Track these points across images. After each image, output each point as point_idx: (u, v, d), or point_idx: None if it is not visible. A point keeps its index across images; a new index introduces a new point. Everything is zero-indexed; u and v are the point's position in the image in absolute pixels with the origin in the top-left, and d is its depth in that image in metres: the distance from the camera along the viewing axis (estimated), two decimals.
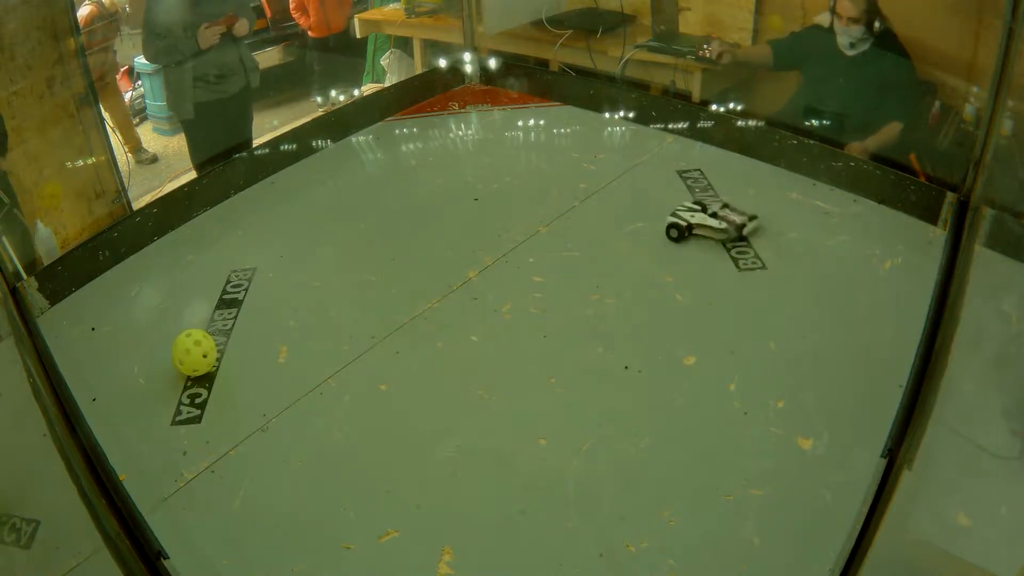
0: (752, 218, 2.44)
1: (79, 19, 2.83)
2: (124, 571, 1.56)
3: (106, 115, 3.67)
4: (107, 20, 3.48)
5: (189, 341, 2.06)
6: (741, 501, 1.67)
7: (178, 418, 1.99)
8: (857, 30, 2.78)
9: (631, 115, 3.34)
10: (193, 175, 3.12)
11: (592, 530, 1.64)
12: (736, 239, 2.41)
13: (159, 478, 1.81)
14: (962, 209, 2.35)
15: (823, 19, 2.92)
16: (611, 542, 1.60)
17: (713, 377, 1.99)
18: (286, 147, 3.22)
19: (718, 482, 1.71)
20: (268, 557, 1.63)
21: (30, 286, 2.37)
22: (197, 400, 2.03)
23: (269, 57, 4.75)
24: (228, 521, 1.71)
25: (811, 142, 2.82)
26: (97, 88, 3.48)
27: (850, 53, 2.85)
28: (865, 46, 2.81)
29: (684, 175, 2.89)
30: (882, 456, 1.66)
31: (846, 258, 2.40)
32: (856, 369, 1.98)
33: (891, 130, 2.81)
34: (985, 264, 2.17)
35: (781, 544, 1.58)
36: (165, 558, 1.54)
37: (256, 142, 3.33)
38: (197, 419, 1.98)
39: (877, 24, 2.75)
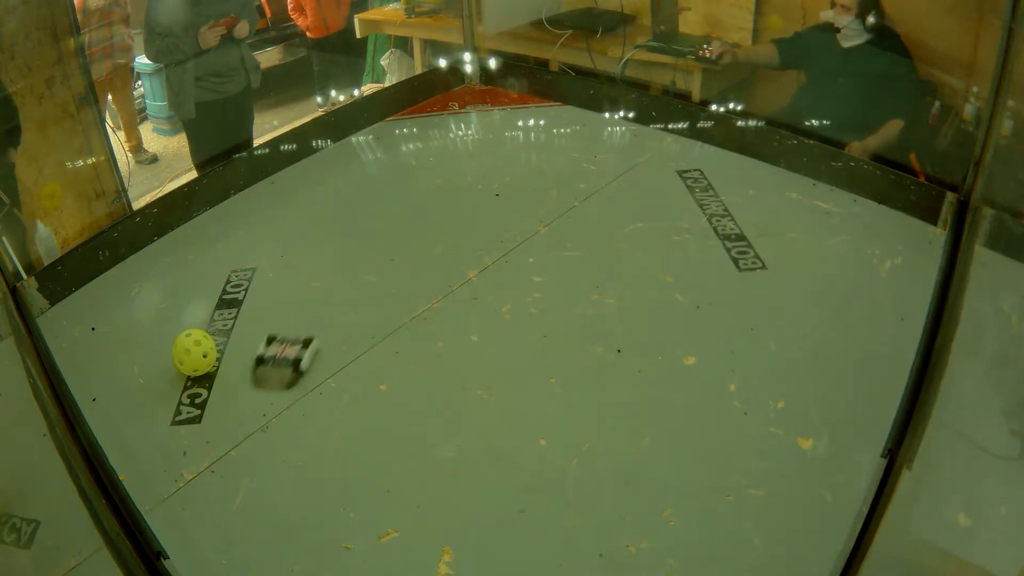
0: (307, 343, 2.13)
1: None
2: (124, 571, 1.56)
3: (115, 108, 3.68)
4: (102, 10, 3.48)
5: (189, 341, 2.06)
6: (741, 501, 1.67)
7: (178, 418, 1.99)
8: (847, 19, 2.79)
9: (631, 115, 3.34)
10: (193, 175, 3.12)
11: (592, 530, 1.64)
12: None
13: (159, 478, 1.81)
14: (962, 209, 2.35)
15: (827, 15, 2.93)
16: (611, 542, 1.60)
17: (713, 377, 1.99)
18: (286, 147, 3.22)
19: (718, 482, 1.71)
20: (268, 557, 1.63)
21: (30, 286, 2.37)
22: (197, 400, 2.03)
23: (269, 57, 4.75)
24: (228, 521, 1.71)
25: (811, 142, 2.82)
26: (109, 80, 3.49)
27: (845, 45, 2.85)
28: (859, 39, 2.82)
29: (684, 175, 2.89)
30: (882, 456, 1.66)
31: (846, 258, 2.40)
32: (856, 369, 1.98)
33: (891, 128, 2.81)
34: (985, 264, 2.17)
35: (781, 544, 1.58)
36: (165, 558, 1.55)
37: (256, 142, 3.33)
38: (197, 419, 1.98)
39: (872, 18, 2.76)
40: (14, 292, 2.32)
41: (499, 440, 1.87)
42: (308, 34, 4.45)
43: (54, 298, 2.44)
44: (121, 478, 1.75)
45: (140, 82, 4.11)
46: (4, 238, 2.37)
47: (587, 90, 3.47)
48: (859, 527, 1.51)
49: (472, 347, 2.17)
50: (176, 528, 1.67)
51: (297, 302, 2.38)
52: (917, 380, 1.82)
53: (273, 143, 3.22)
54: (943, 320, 2.02)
